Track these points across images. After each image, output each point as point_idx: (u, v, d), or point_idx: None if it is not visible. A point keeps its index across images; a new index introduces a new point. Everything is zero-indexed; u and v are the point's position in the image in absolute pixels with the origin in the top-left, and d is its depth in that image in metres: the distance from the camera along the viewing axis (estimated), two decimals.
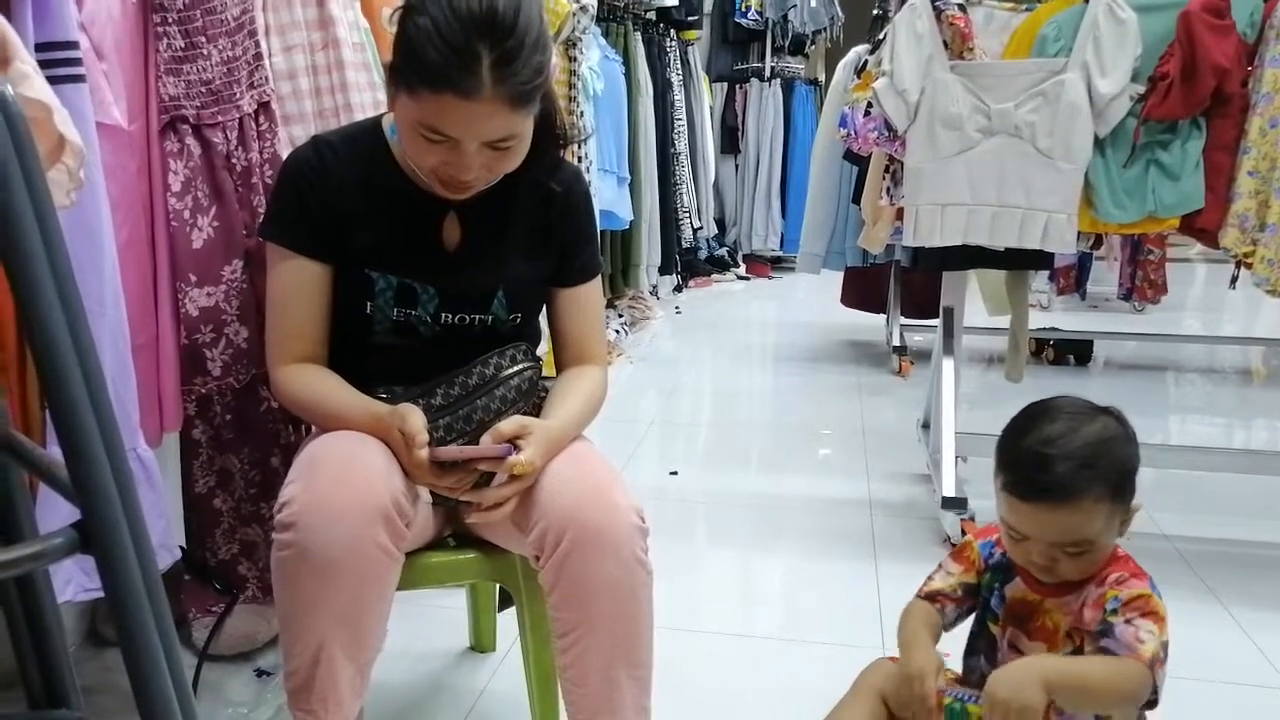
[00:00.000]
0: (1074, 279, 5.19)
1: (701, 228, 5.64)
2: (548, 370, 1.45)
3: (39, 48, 1.17)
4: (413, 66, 1.15)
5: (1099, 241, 2.48)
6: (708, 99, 5.83)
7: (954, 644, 1.31)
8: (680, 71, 5.26)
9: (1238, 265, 2.26)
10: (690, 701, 1.66)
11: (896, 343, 4.10)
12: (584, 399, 1.37)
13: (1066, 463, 1.11)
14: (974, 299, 3.21)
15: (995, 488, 1.19)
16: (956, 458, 2.39)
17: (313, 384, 1.32)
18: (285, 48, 1.60)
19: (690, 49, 5.53)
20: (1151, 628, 1.11)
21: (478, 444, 1.25)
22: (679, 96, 5.19)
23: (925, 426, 2.87)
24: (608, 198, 3.88)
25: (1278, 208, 2.04)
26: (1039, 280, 4.98)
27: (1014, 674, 1.10)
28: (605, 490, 1.23)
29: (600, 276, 1.47)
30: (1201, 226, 2.17)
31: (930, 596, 1.30)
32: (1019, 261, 2.39)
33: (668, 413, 3.52)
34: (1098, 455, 1.12)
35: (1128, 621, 1.12)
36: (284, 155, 1.47)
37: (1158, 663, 1.10)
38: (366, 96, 1.67)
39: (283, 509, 1.15)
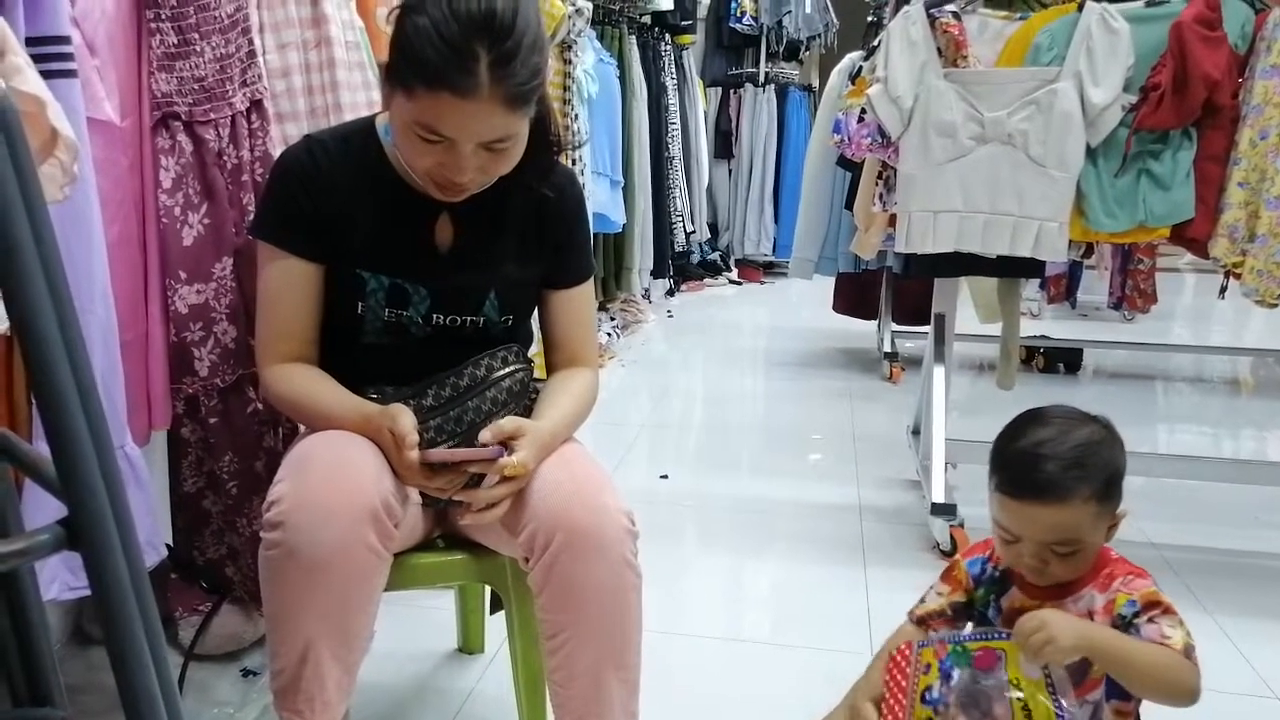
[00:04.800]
0: (1064, 287, 5.21)
1: (694, 232, 5.64)
2: (539, 372, 1.45)
3: (30, 42, 1.17)
4: (410, 66, 1.15)
5: (1090, 250, 2.50)
6: (702, 103, 5.84)
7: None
8: (675, 76, 5.26)
9: (1227, 275, 2.27)
10: (678, 705, 1.66)
11: (888, 349, 4.10)
12: (575, 401, 1.36)
13: (1056, 462, 1.15)
14: (965, 306, 3.21)
15: (989, 490, 1.21)
16: (947, 464, 2.39)
17: (302, 383, 1.31)
18: (279, 45, 1.60)
19: (685, 53, 5.54)
20: (1173, 622, 1.13)
21: (469, 445, 1.25)
22: (673, 100, 5.20)
23: (916, 433, 2.88)
24: (601, 201, 3.88)
25: (1267, 219, 2.05)
26: (1030, 288, 4.99)
27: (1054, 614, 1.12)
28: (595, 492, 1.22)
29: (593, 280, 1.47)
30: (1191, 236, 2.18)
31: (922, 620, 1.32)
32: (1010, 269, 2.40)
33: (658, 416, 3.52)
34: (1086, 457, 1.16)
35: (1150, 620, 1.14)
36: (275, 154, 1.47)
37: (1191, 653, 1.12)
38: (359, 96, 1.67)
39: (271, 508, 1.15)
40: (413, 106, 1.17)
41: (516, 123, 1.20)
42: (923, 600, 1.34)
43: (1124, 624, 1.16)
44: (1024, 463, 1.16)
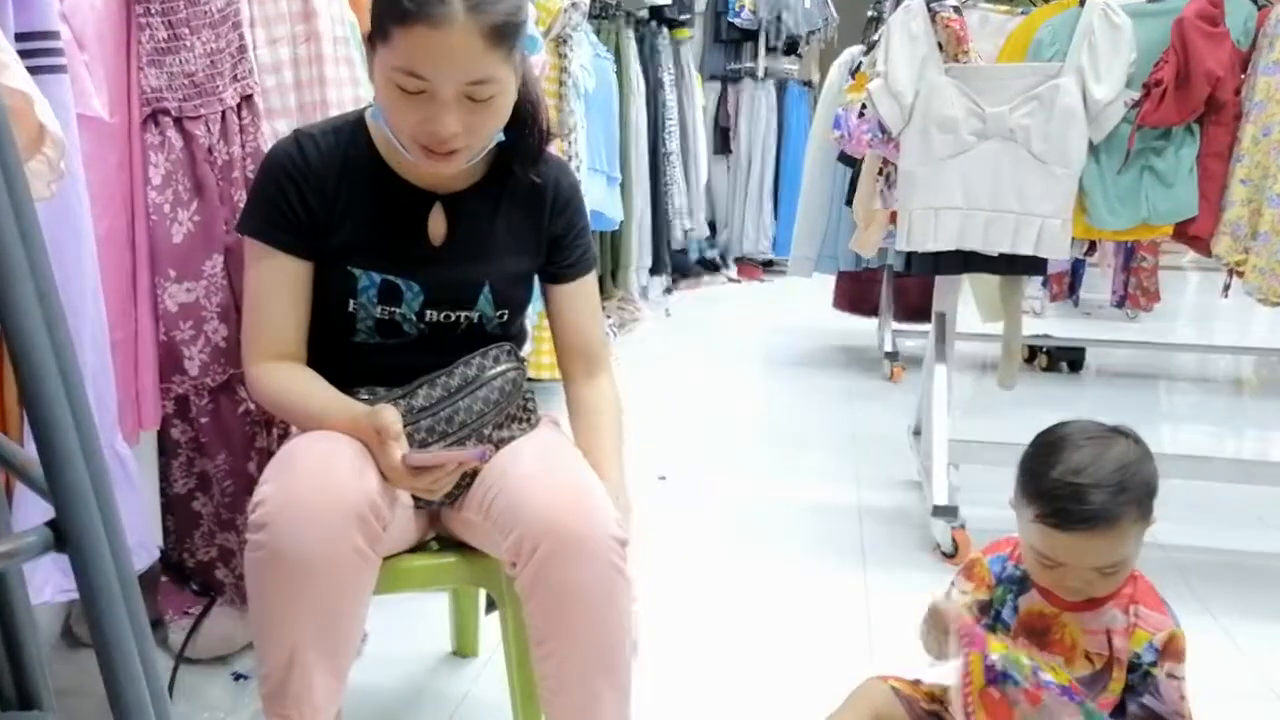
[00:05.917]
0: (1067, 285, 5.20)
1: (692, 229, 5.62)
2: (532, 371, 1.43)
3: (19, 37, 1.15)
4: (386, 11, 1.15)
5: (1092, 248, 2.48)
6: (700, 99, 5.81)
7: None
8: (672, 70, 5.24)
9: (1230, 273, 2.26)
10: (673, 712, 1.64)
11: (888, 348, 4.09)
12: (615, 435, 1.37)
13: (1101, 491, 1.13)
14: (967, 304, 3.20)
15: (1023, 519, 1.20)
16: (948, 465, 2.37)
17: (290, 383, 1.29)
18: (270, 40, 1.58)
19: (683, 48, 5.51)
20: (1184, 672, 1.16)
21: (460, 445, 1.24)
22: (671, 96, 5.18)
23: (917, 433, 2.86)
24: (597, 198, 3.85)
25: (1270, 216, 2.03)
26: (1032, 286, 4.98)
27: None
28: (583, 496, 1.21)
29: (595, 272, 1.46)
30: (1194, 234, 2.17)
31: None
32: (1012, 267, 2.38)
33: (656, 417, 3.50)
34: (1128, 478, 1.15)
35: (1170, 675, 1.16)
36: (266, 149, 1.45)
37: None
38: (346, 92, 1.64)
39: (256, 509, 1.13)
40: (390, 53, 1.16)
41: (497, 63, 1.18)
42: (946, 597, 1.33)
43: (1140, 668, 1.17)
44: (1068, 494, 1.14)
